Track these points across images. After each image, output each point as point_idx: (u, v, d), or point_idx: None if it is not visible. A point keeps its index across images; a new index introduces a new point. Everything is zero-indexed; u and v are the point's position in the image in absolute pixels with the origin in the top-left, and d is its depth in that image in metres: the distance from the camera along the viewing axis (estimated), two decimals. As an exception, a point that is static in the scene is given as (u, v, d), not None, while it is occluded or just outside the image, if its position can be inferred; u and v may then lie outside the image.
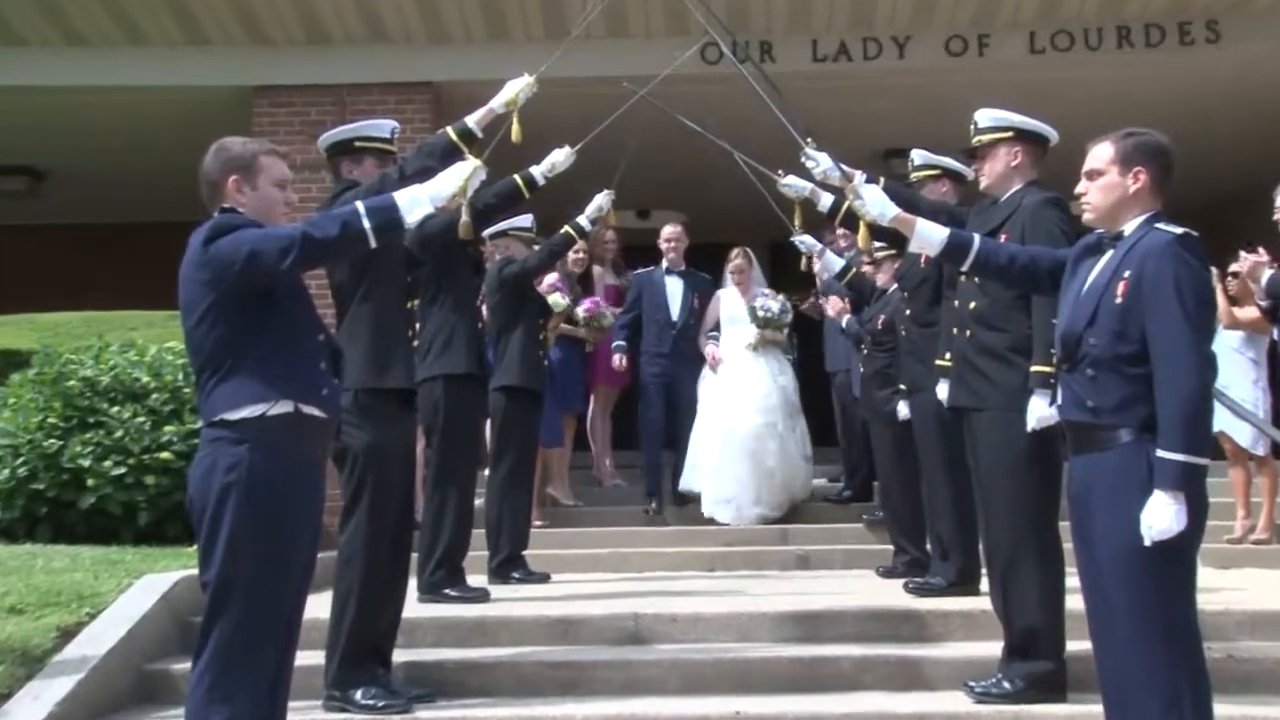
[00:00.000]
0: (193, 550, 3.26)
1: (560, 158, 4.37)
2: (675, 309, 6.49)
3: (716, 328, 6.50)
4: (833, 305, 5.92)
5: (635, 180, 5.81)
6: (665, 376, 6.42)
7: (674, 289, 6.52)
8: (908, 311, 4.82)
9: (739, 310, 6.43)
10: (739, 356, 6.36)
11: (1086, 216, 2.77)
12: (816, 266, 5.84)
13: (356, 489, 3.48)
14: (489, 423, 5.45)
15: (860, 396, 5.72)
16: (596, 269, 6.97)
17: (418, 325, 4.59)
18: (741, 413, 6.18)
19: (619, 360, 6.50)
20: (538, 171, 4.39)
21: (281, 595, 2.64)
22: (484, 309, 5.49)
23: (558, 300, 6.17)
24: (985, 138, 3.66)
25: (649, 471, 6.40)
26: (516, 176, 4.42)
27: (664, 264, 6.58)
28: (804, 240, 5.51)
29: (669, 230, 6.57)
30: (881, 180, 3.78)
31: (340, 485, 3.53)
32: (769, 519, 6.16)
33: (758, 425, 6.15)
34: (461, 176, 2.91)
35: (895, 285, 5.14)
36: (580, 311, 6.41)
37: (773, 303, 6.36)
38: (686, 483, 6.29)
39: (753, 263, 6.59)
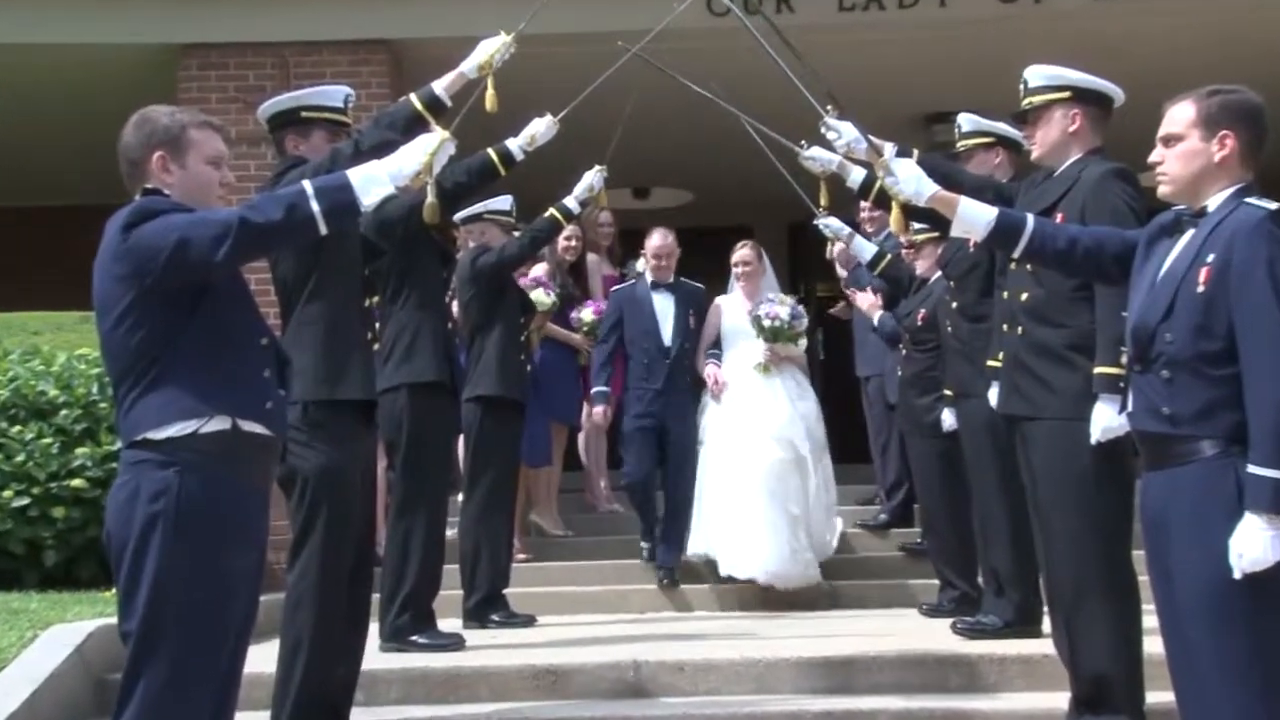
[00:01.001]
0: (111, 595, 3.24)
1: (541, 128, 4.38)
2: (667, 332, 6.00)
3: (717, 344, 6.16)
4: (863, 299, 5.93)
5: (632, 154, 5.82)
6: (656, 419, 5.89)
7: (663, 307, 6.03)
8: (953, 304, 4.82)
9: (742, 320, 6.09)
10: (747, 379, 6.00)
11: (1162, 190, 2.76)
12: (834, 252, 5.87)
13: (307, 519, 3.49)
14: (462, 439, 5.45)
15: (897, 405, 5.73)
16: (591, 258, 6.96)
17: (377, 326, 4.61)
18: (756, 447, 5.79)
19: (602, 412, 6.12)
20: (515, 144, 4.40)
21: (217, 647, 2.62)
22: (455, 306, 5.51)
23: (542, 297, 6.16)
24: (1037, 99, 3.65)
25: (647, 527, 5.99)
26: (490, 150, 4.42)
27: (647, 276, 6.14)
28: (829, 224, 5.52)
29: (659, 242, 6.07)
30: (915, 153, 3.77)
31: (288, 515, 3.53)
32: (802, 579, 5.74)
33: (778, 461, 5.77)
34: (427, 151, 2.92)
35: (938, 274, 5.15)
36: (589, 314, 6.43)
37: (780, 308, 6.03)
38: (697, 547, 5.87)
39: (763, 259, 6.26)
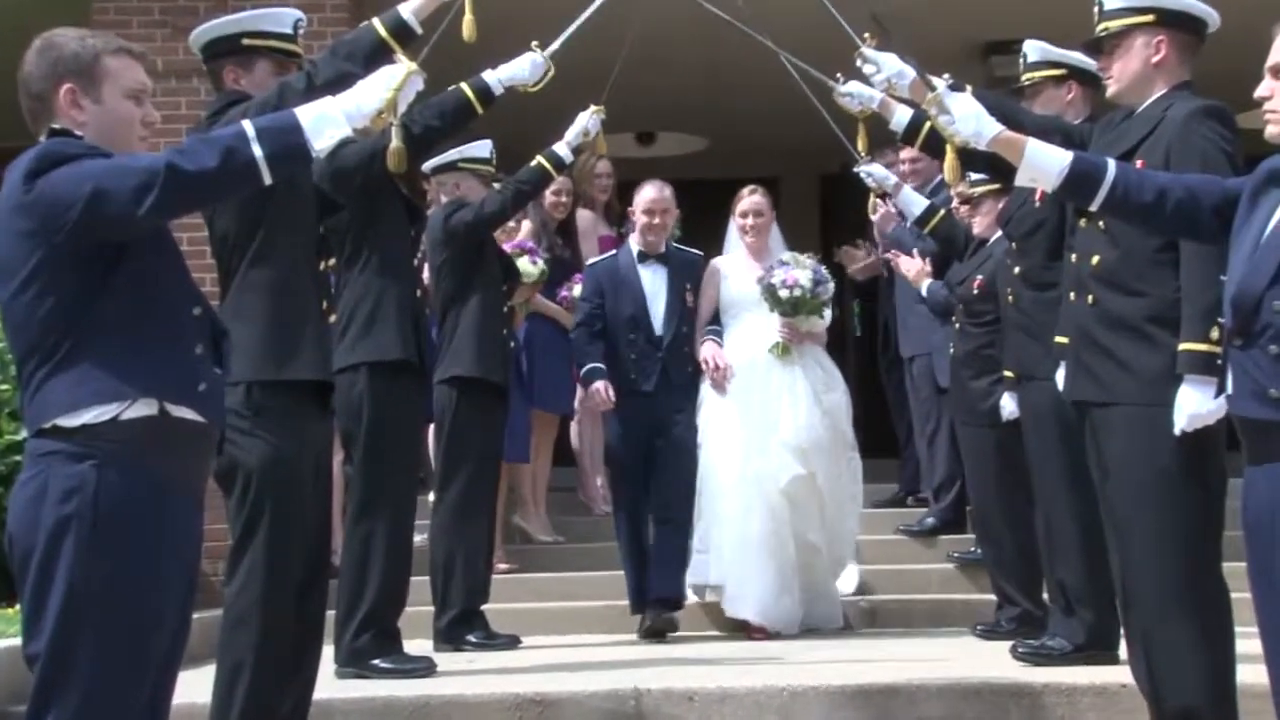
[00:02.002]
0: (14, 613, 3.22)
1: (525, 68, 4.38)
2: (658, 318, 5.65)
3: (716, 320, 5.82)
4: (908, 264, 5.92)
5: (634, 92, 5.79)
6: (648, 425, 5.54)
7: (653, 285, 5.70)
8: (1016, 270, 4.80)
9: (749, 287, 5.73)
10: (759, 366, 5.66)
11: (1270, 131, 2.74)
12: (877, 210, 5.81)
13: (249, 522, 3.49)
14: (433, 429, 5.47)
15: (949, 389, 5.74)
16: (584, 215, 6.97)
17: (333, 293, 4.59)
18: (769, 459, 5.50)
19: (602, 390, 5.56)
20: (494, 78, 4.39)
21: (140, 673, 2.61)
22: (425, 272, 5.48)
23: (527, 266, 6.17)
24: (1114, 24, 3.63)
25: (631, 572, 5.59)
26: (465, 85, 4.42)
27: (633, 245, 5.81)
28: (873, 171, 5.51)
29: (653, 196, 5.71)
30: (969, 88, 3.76)
31: (227, 517, 3.53)
32: (826, 618, 5.64)
33: (796, 479, 5.49)
34: (390, 86, 2.91)
35: (998, 234, 5.15)
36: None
37: (799, 272, 5.61)
38: (700, 575, 5.58)
39: (771, 213, 5.96)
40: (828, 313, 5.82)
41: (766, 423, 5.59)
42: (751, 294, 5.73)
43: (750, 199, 5.89)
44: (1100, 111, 4.34)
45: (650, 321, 5.66)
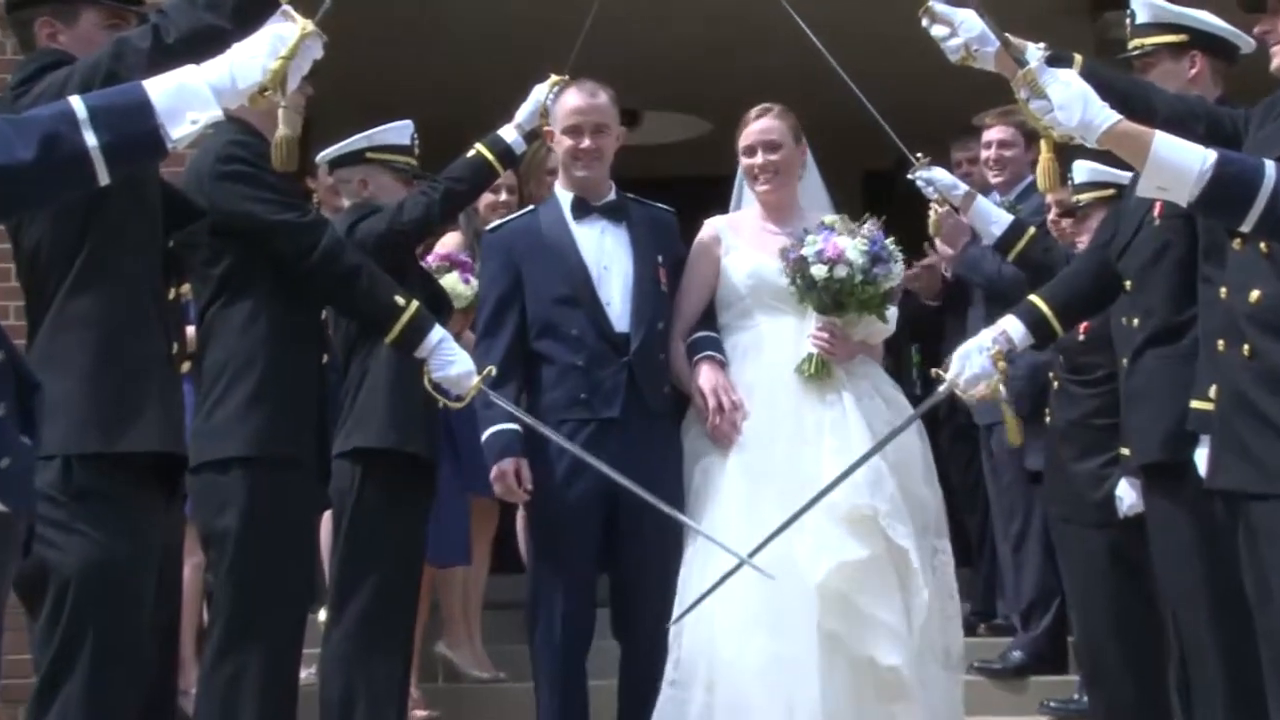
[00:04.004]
0: None
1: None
2: (614, 298, 5.31)
3: (709, 319, 5.44)
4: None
5: (610, 57, 5.79)
6: (603, 491, 5.06)
7: (601, 248, 5.39)
8: (1134, 313, 4.81)
9: (767, 264, 5.35)
10: (781, 395, 5.27)
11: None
12: (940, 223, 5.82)
13: (65, 649, 3.48)
14: (328, 520, 5.45)
15: (1044, 472, 5.74)
16: None
17: (189, 334, 4.59)
18: (798, 540, 4.90)
19: (511, 474, 5.19)
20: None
21: None
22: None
23: (458, 286, 6.15)
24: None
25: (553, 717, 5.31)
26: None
27: (560, 192, 5.51)
28: (933, 177, 5.53)
29: (576, 103, 5.37)
30: (1078, 61, 3.77)
31: (32, 643, 3.52)
32: None
33: (839, 570, 4.96)
34: (276, 52, 2.97)
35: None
36: None
37: (845, 240, 5.19)
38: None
39: (802, 142, 5.50)
40: (891, 311, 5.37)
41: (793, 482, 5.02)
42: (770, 276, 5.32)
43: (760, 123, 5.43)
44: (1240, 93, 4.44)
45: (601, 307, 5.30)
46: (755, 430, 5.24)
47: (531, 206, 5.64)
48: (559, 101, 5.40)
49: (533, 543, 5.44)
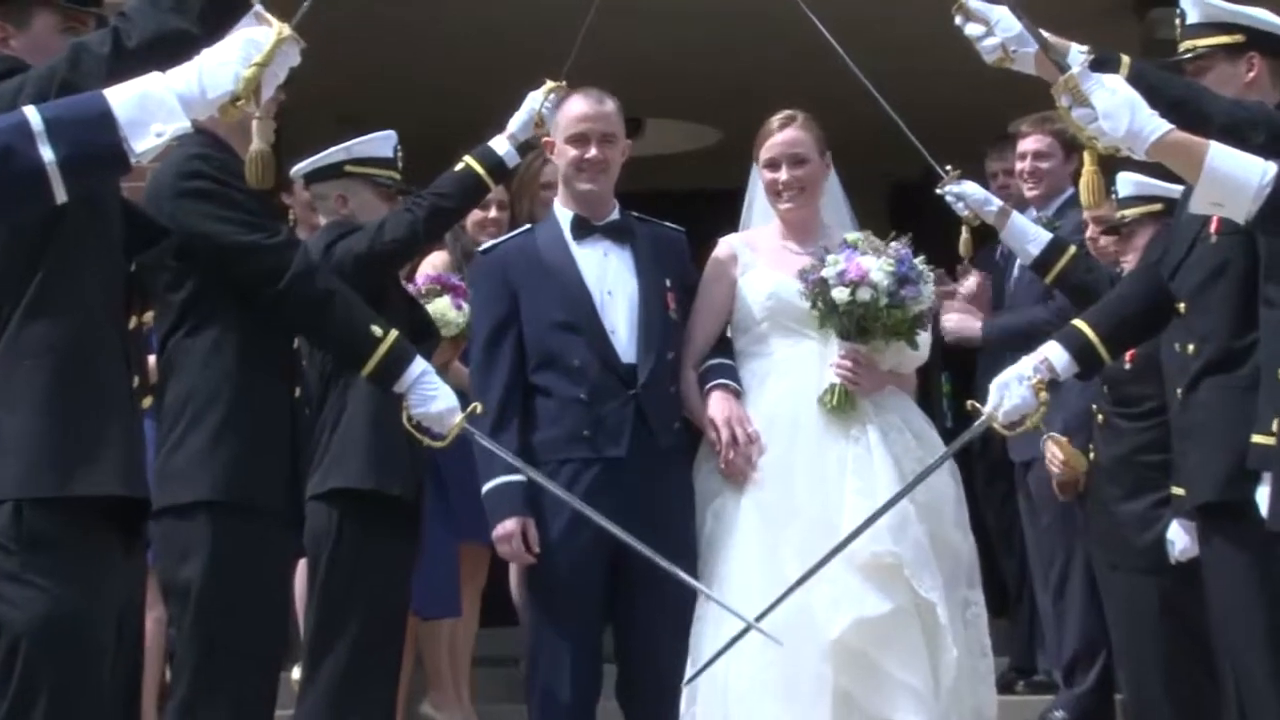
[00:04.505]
0: None
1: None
2: (621, 326, 5.31)
3: (725, 347, 5.46)
4: None
5: (614, 59, 5.78)
6: (605, 538, 4.89)
7: (605, 272, 5.39)
8: (1188, 340, 4.79)
9: (788, 285, 5.33)
10: (801, 431, 5.26)
11: None
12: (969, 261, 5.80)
13: (17, 706, 3.48)
14: (303, 569, 5.45)
15: (1087, 514, 5.74)
16: None
17: (151, 365, 4.55)
18: (815, 592, 4.90)
19: (518, 536, 5.18)
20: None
21: None
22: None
23: (448, 311, 6.16)
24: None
25: None
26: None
27: (560, 209, 5.50)
28: (964, 191, 5.54)
29: (582, 109, 5.37)
30: (1125, 63, 3.76)
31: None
32: None
33: (855, 627, 4.94)
34: (249, 57, 3.00)
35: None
36: None
37: (870, 260, 5.16)
38: None
39: (825, 157, 5.47)
40: (923, 338, 5.36)
41: (813, 527, 5.05)
42: (791, 297, 5.30)
43: (785, 134, 5.42)
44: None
45: (606, 335, 5.31)
46: (772, 467, 5.22)
47: (528, 226, 5.62)
48: (563, 109, 5.39)
49: (532, 594, 5.40)
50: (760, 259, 5.43)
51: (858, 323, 5.16)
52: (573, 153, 5.34)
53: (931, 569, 5.04)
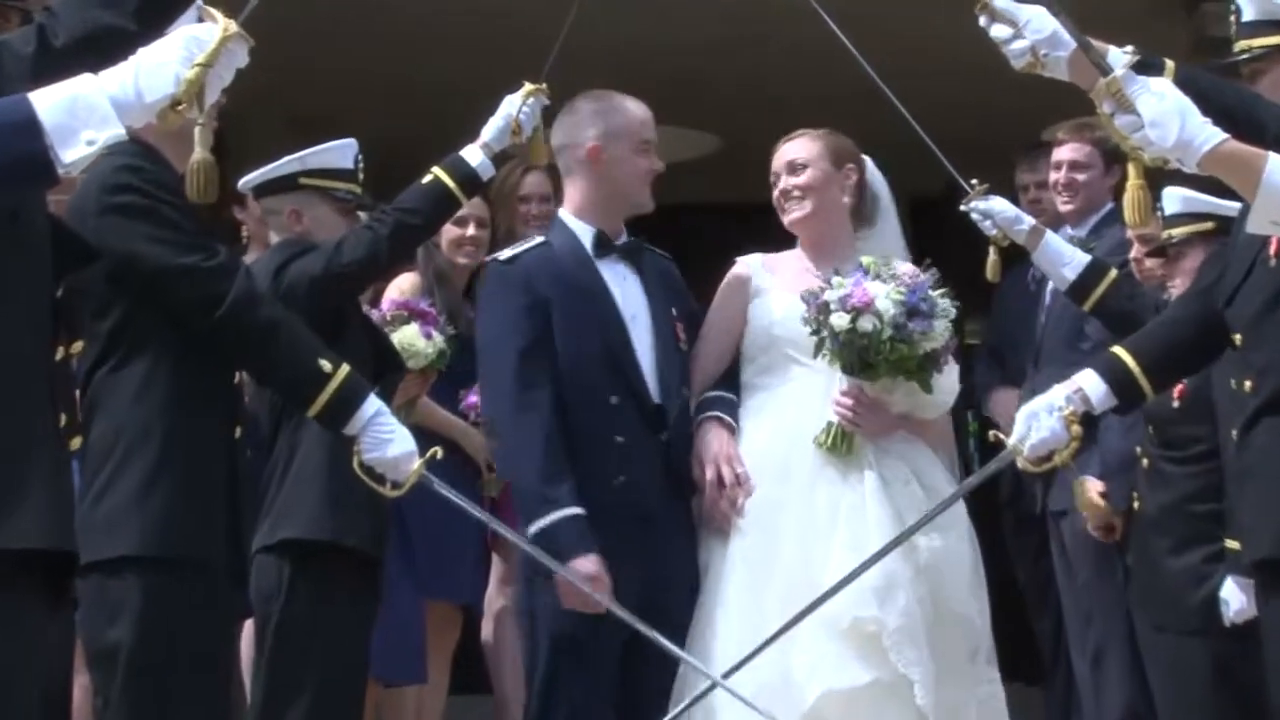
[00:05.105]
0: None
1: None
2: (648, 362, 5.37)
3: (730, 378, 5.50)
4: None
5: (596, 61, 5.78)
6: (639, 580, 5.17)
7: (628, 298, 5.45)
8: (1245, 376, 4.78)
9: (795, 311, 5.31)
10: (798, 472, 5.29)
11: None
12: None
13: None
14: (250, 629, 5.46)
15: (1130, 568, 5.79)
16: None
17: (77, 400, 4.55)
18: (799, 655, 4.98)
19: (599, 575, 5.06)
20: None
21: None
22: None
23: (416, 341, 6.16)
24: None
25: None
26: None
27: (573, 219, 5.52)
28: (991, 209, 5.61)
29: (645, 114, 5.51)
30: (1171, 67, 3.76)
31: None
32: None
33: (841, 711, 4.97)
34: (191, 57, 3.05)
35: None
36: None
37: (879, 285, 5.14)
38: None
39: (845, 170, 5.52)
40: (945, 382, 5.35)
41: (798, 583, 5.07)
42: (798, 325, 5.31)
43: (786, 145, 5.54)
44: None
45: (640, 371, 5.36)
46: (760, 511, 5.25)
47: (542, 238, 5.53)
48: (621, 111, 5.48)
49: (552, 652, 5.26)
50: (777, 281, 5.49)
51: (860, 355, 5.16)
52: (642, 165, 5.43)
53: (918, 642, 5.01)
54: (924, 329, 5.14)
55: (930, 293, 5.21)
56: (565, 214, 5.53)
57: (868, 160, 5.63)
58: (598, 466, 5.20)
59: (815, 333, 5.21)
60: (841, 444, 5.21)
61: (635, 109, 5.50)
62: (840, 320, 5.10)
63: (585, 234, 5.43)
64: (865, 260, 5.27)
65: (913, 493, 5.22)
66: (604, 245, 5.44)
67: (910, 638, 4.99)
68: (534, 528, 5.10)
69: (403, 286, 6.42)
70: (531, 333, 5.25)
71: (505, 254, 5.54)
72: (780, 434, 5.36)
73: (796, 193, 5.44)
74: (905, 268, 5.30)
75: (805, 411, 5.34)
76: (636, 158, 5.44)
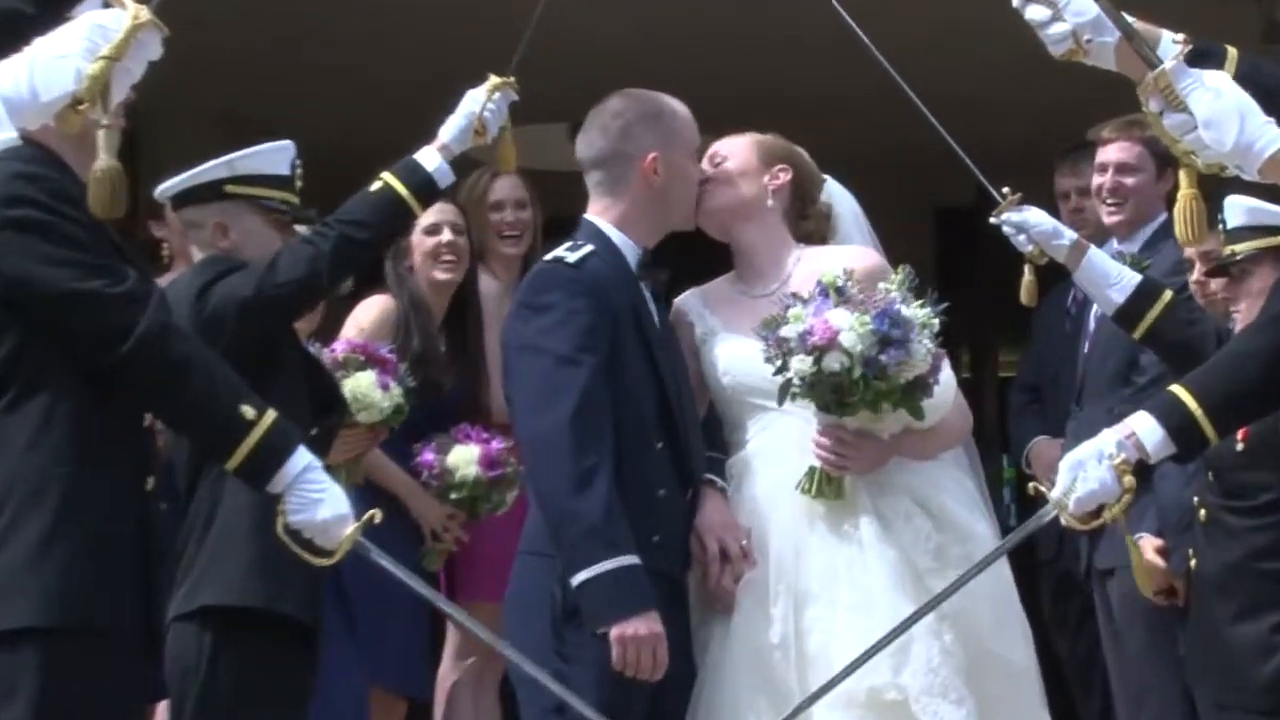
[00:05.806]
0: None
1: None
2: (685, 403, 5.42)
3: (712, 434, 5.55)
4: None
5: (564, 52, 5.75)
6: (669, 648, 5.10)
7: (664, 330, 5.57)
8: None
9: (746, 350, 5.30)
10: (779, 534, 5.32)
11: None
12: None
13: None
14: (164, 711, 5.54)
15: (1190, 638, 5.78)
16: (486, 284, 7.26)
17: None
18: None
19: (658, 632, 5.05)
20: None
21: None
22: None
23: (371, 393, 6.20)
24: None
25: None
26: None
27: (624, 244, 5.47)
28: (1026, 222, 5.64)
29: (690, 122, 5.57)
30: (1233, 57, 3.74)
31: None
32: None
33: None
34: (95, 49, 3.12)
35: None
36: (466, 460, 6.52)
37: (843, 315, 5.07)
38: None
39: (778, 170, 5.60)
40: (935, 400, 5.33)
41: (796, 664, 5.20)
42: (752, 366, 5.32)
43: (718, 142, 5.69)
44: None
45: (684, 420, 5.37)
46: (749, 585, 5.29)
47: (590, 248, 5.39)
48: (677, 115, 5.53)
49: None
50: (717, 320, 5.55)
51: (833, 392, 5.13)
52: (695, 174, 5.50)
53: (955, 695, 5.06)
54: (900, 358, 5.08)
55: (901, 311, 5.12)
56: (606, 225, 5.44)
57: (829, 178, 5.74)
58: (638, 519, 5.13)
59: (780, 372, 5.16)
60: (827, 489, 5.23)
61: (685, 112, 5.57)
62: (802, 364, 5.07)
63: (631, 252, 5.41)
64: (827, 277, 5.20)
65: (916, 527, 5.27)
66: (643, 267, 5.46)
67: (944, 692, 5.05)
68: (590, 571, 5.00)
69: (363, 321, 6.39)
70: (607, 349, 5.19)
71: (569, 255, 5.38)
72: (758, 501, 5.40)
73: (708, 187, 5.53)
74: (876, 279, 5.28)
75: (778, 468, 5.37)
76: (689, 164, 5.51)
